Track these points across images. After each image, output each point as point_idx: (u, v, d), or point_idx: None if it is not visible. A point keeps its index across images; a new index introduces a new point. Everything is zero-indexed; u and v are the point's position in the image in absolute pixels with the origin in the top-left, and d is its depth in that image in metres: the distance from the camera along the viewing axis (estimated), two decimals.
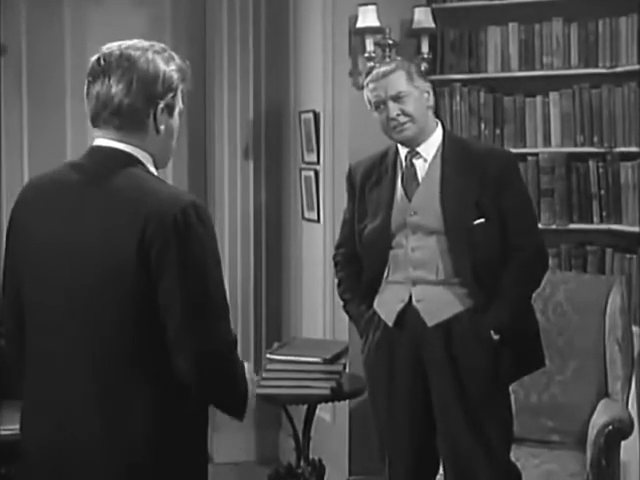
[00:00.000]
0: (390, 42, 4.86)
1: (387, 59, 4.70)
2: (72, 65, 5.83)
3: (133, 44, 2.40)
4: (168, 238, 2.18)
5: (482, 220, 3.52)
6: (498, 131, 4.97)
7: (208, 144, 5.88)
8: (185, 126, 5.92)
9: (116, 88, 2.31)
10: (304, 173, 5.36)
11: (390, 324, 3.61)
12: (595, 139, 4.80)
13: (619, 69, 4.73)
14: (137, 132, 2.34)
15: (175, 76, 2.38)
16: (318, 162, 5.21)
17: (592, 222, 4.83)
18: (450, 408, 3.55)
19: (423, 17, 4.89)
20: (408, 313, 3.58)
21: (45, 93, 5.79)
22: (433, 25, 4.91)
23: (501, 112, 4.98)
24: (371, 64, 4.72)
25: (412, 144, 3.63)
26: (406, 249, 3.59)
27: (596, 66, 4.81)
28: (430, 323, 3.54)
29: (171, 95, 2.37)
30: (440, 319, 3.53)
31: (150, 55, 2.36)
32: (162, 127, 2.36)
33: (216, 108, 5.79)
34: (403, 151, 3.66)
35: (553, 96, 4.90)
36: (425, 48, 4.91)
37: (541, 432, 4.29)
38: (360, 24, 4.80)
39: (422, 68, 4.68)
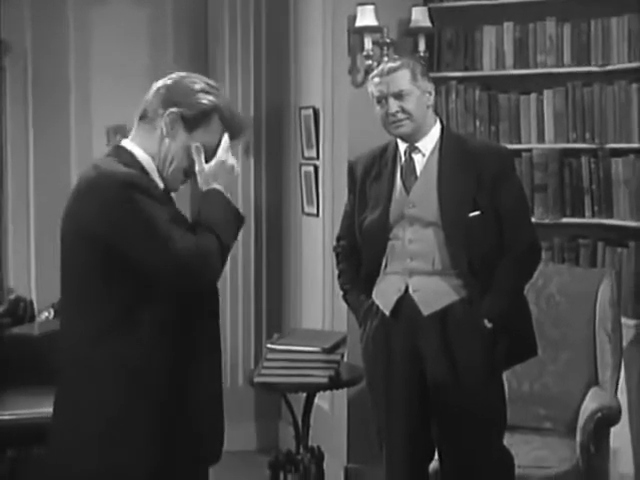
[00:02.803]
0: (388, 41, 4.95)
1: (385, 57, 4.79)
2: (76, 63, 5.92)
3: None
4: None
5: (477, 213, 3.62)
6: (493, 128, 5.07)
7: None
8: None
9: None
10: (304, 168, 5.45)
11: (387, 313, 3.71)
12: (587, 136, 4.89)
13: (610, 67, 4.81)
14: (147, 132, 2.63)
15: (205, 99, 2.59)
16: (317, 157, 5.30)
17: (584, 216, 4.91)
18: (445, 394, 3.65)
19: (420, 16, 4.97)
20: (405, 302, 3.68)
21: (49, 90, 5.87)
22: (430, 24, 4.99)
23: (496, 109, 5.07)
24: (369, 62, 4.83)
25: (409, 140, 3.73)
26: (404, 241, 3.69)
27: (588, 65, 4.90)
28: (426, 312, 3.64)
29: (192, 111, 2.58)
30: (435, 308, 3.63)
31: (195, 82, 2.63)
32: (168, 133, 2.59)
33: None
34: (403, 146, 3.76)
35: (547, 94, 4.99)
36: (422, 46, 4.99)
37: (533, 420, 4.39)
38: (359, 23, 4.88)
39: None
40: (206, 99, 2.59)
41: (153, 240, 2.47)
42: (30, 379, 3.67)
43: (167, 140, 2.60)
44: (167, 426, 2.53)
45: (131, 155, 2.59)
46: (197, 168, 2.61)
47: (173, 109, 2.57)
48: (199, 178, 2.63)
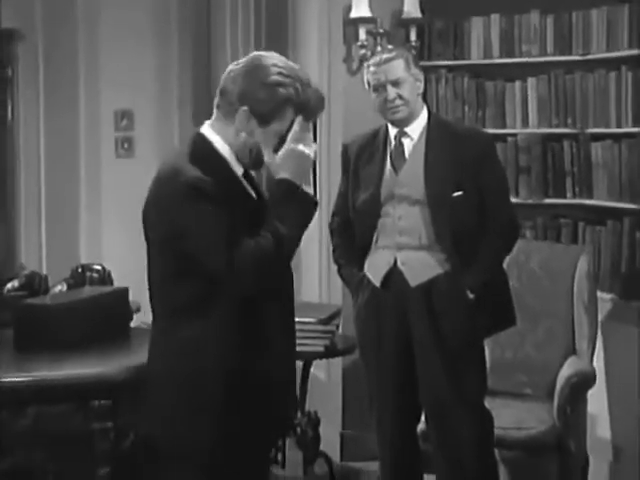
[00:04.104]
0: (381, 31, 5.16)
1: (378, 47, 5.02)
2: (84, 50, 6.17)
3: None
4: None
5: (461, 193, 3.88)
6: (480, 113, 5.31)
7: None
8: (191, 110, 6.29)
9: None
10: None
11: (378, 285, 3.96)
12: (569, 121, 5.12)
13: (591, 57, 5.02)
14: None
15: (277, 94, 2.58)
16: (315, 140, 5.45)
17: (565, 197, 5.15)
18: (430, 359, 3.90)
19: (412, 8, 5.17)
20: (394, 275, 3.93)
21: (60, 76, 6.14)
22: (421, 15, 5.19)
23: (483, 96, 5.31)
24: (363, 51, 5.07)
25: (402, 125, 3.97)
26: (393, 218, 3.94)
27: (570, 54, 5.11)
28: (413, 284, 3.90)
29: (265, 107, 2.58)
30: (422, 280, 3.89)
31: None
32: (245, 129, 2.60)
33: None
34: (393, 131, 4.00)
35: (531, 81, 5.22)
36: (413, 37, 5.21)
37: (515, 386, 4.63)
38: (353, 14, 5.09)
39: None
40: (278, 93, 2.57)
41: (209, 251, 2.52)
42: (46, 345, 3.90)
43: (243, 134, 2.60)
44: (240, 395, 2.63)
45: (210, 144, 2.63)
46: (266, 159, 2.63)
47: (245, 107, 2.57)
48: (271, 168, 2.64)
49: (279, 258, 2.59)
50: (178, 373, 2.66)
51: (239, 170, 2.67)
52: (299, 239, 2.63)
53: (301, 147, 2.62)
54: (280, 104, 2.58)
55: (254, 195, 2.73)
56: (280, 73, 2.59)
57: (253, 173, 2.77)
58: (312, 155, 2.66)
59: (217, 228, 2.53)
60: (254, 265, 2.53)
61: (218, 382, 2.62)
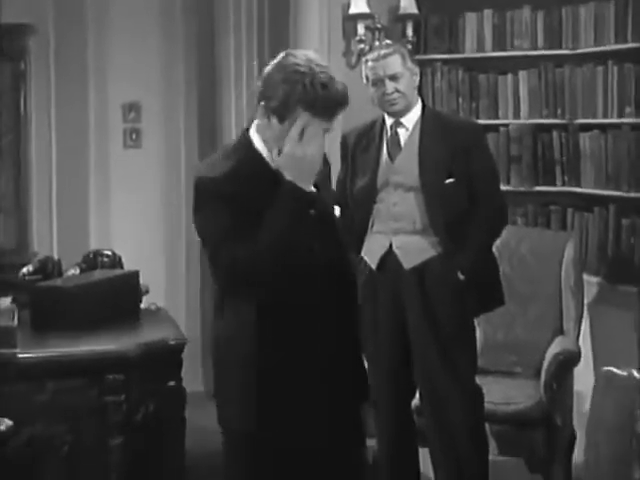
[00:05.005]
0: (379, 26, 5.32)
1: (376, 42, 5.19)
2: (94, 44, 6.29)
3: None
4: None
5: (452, 180, 4.07)
6: (474, 105, 5.50)
7: (218, 116, 6.31)
8: (196, 101, 6.45)
9: None
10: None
11: (374, 267, 4.15)
12: (558, 112, 5.32)
13: (579, 51, 5.21)
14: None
15: (282, 90, 2.56)
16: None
17: (555, 185, 5.35)
18: (424, 338, 4.08)
19: (408, 4, 5.33)
20: (389, 258, 4.11)
21: (70, 70, 6.25)
22: (417, 11, 5.36)
23: (477, 88, 5.49)
24: (362, 46, 5.25)
25: (398, 116, 4.16)
26: (389, 204, 4.11)
27: (560, 48, 5.30)
28: (407, 266, 4.09)
29: (274, 103, 2.59)
30: (415, 263, 4.07)
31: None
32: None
33: (224, 84, 6.20)
34: (389, 121, 4.19)
35: (522, 74, 5.41)
36: (410, 32, 5.37)
37: (505, 365, 4.82)
38: (352, 11, 5.25)
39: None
40: (283, 90, 2.56)
41: (209, 250, 2.65)
42: (61, 324, 4.10)
43: (268, 131, 2.64)
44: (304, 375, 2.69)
45: (249, 140, 2.69)
46: (274, 158, 2.64)
47: (262, 102, 2.61)
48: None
49: (275, 258, 2.58)
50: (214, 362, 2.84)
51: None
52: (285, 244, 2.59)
53: (300, 150, 2.57)
54: (286, 100, 2.56)
55: None
56: (293, 71, 2.56)
57: None
58: (316, 156, 2.60)
59: (219, 230, 2.59)
60: (243, 268, 2.57)
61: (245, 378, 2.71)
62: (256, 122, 2.70)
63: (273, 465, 2.72)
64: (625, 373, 2.62)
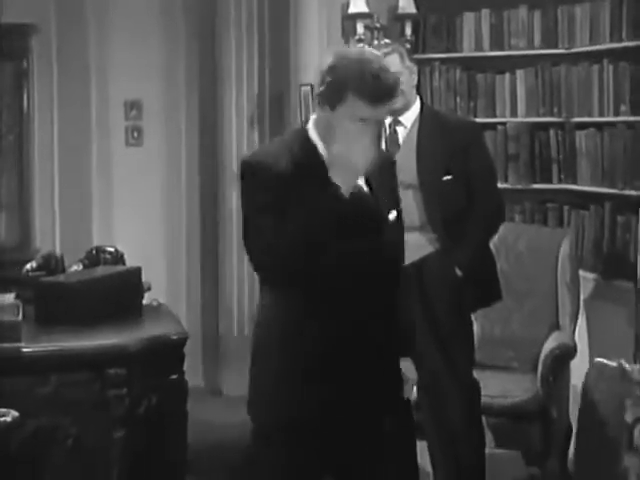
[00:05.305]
0: (378, 26, 5.39)
1: (375, 41, 5.25)
2: (95, 43, 6.33)
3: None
4: None
5: (450, 177, 4.12)
6: (472, 103, 5.56)
7: (219, 114, 6.35)
8: (197, 99, 6.49)
9: None
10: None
11: None
12: (555, 110, 5.38)
13: (575, 50, 5.27)
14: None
15: (329, 77, 2.62)
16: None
17: (552, 182, 5.41)
18: (422, 332, 4.10)
19: (407, 4, 5.39)
20: None
21: (72, 68, 6.30)
22: (415, 11, 5.42)
23: (474, 87, 5.56)
24: (361, 45, 5.22)
25: (397, 114, 4.20)
26: None
27: (556, 47, 5.36)
28: (406, 262, 4.14)
29: (323, 88, 2.64)
30: (414, 258, 4.09)
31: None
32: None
33: (225, 82, 6.25)
34: (388, 119, 4.20)
35: (519, 73, 5.47)
36: (408, 31, 5.43)
37: (502, 360, 4.87)
38: (351, 10, 5.32)
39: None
40: (334, 77, 2.61)
41: (246, 226, 2.67)
42: (65, 319, 4.13)
43: (322, 118, 2.68)
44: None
45: (305, 132, 2.72)
46: (324, 151, 2.68)
47: (316, 91, 2.68)
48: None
49: (277, 260, 2.59)
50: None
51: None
52: (317, 246, 2.60)
53: (345, 151, 2.60)
54: (337, 87, 2.60)
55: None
56: (345, 58, 2.63)
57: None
58: (360, 158, 2.61)
59: (256, 207, 2.62)
60: (272, 255, 2.59)
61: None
62: (313, 116, 2.75)
63: (305, 447, 2.71)
64: (615, 364, 2.68)
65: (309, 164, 2.67)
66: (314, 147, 2.70)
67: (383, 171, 2.91)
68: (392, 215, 2.95)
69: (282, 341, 2.71)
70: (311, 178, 2.63)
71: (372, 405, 2.75)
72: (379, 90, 2.60)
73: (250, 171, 2.67)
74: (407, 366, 2.81)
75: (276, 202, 2.60)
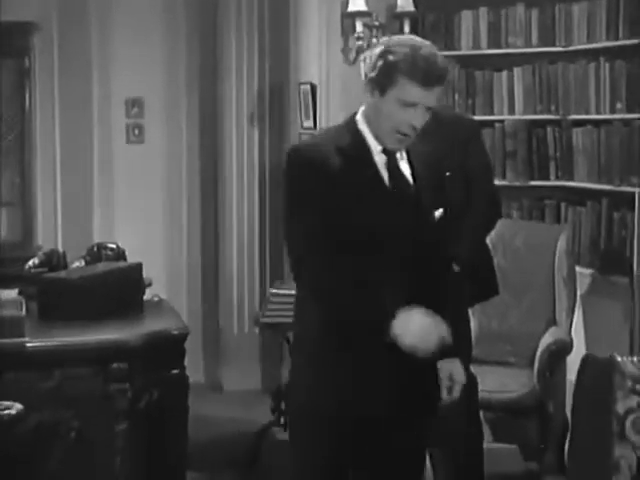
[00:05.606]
0: (377, 24, 5.39)
1: (374, 39, 5.27)
2: (97, 41, 6.36)
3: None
4: None
5: (448, 174, 4.16)
6: (470, 101, 5.60)
7: (219, 111, 6.40)
8: (198, 97, 6.53)
9: None
10: (303, 137, 5.83)
11: None
12: (552, 108, 5.42)
13: (572, 48, 5.31)
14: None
15: (380, 61, 2.65)
16: (315, 127, 5.71)
17: (549, 179, 5.45)
18: None
19: (405, 2, 5.39)
20: None
21: (73, 66, 6.33)
22: (414, 9, 5.42)
23: (472, 84, 5.59)
24: (360, 43, 5.32)
25: None
26: None
27: (553, 45, 5.40)
28: None
29: (374, 73, 2.67)
30: None
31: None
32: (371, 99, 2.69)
33: (226, 80, 6.30)
34: None
35: (517, 71, 5.50)
36: (407, 29, 5.41)
37: (499, 355, 4.92)
38: (350, 8, 5.34)
39: None
40: (385, 60, 2.62)
41: (286, 214, 2.75)
42: (67, 314, 4.17)
43: (371, 105, 2.70)
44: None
45: (354, 122, 2.74)
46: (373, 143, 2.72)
47: (366, 79, 2.68)
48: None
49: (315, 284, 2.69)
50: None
51: (377, 147, 2.74)
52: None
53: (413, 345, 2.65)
54: (388, 70, 2.61)
55: (385, 179, 2.76)
56: (395, 44, 2.66)
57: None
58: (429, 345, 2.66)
59: (300, 200, 2.69)
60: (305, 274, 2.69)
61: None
62: (362, 107, 2.76)
63: (337, 435, 2.76)
64: (606, 356, 2.73)
65: (357, 156, 2.70)
66: (363, 139, 2.72)
67: (429, 167, 3.02)
68: (438, 212, 2.99)
69: (318, 337, 2.75)
70: (359, 170, 2.67)
71: (412, 407, 2.81)
72: (430, 73, 2.63)
73: (297, 162, 2.71)
74: (455, 367, 2.86)
75: (322, 197, 2.63)
